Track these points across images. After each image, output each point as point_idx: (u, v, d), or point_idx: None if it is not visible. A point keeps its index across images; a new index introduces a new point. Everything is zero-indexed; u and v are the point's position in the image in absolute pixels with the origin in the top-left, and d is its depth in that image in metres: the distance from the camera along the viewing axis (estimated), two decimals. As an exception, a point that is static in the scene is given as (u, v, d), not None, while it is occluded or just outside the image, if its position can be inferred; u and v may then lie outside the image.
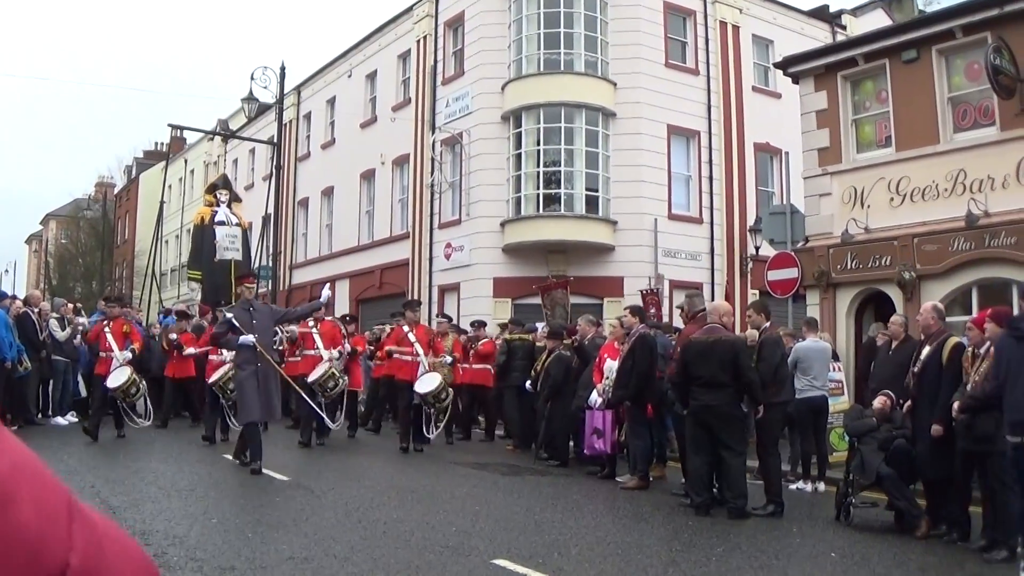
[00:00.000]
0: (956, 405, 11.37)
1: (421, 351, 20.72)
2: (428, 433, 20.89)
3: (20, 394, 21.97)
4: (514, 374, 21.99)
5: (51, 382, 23.73)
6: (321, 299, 19.31)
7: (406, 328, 21.28)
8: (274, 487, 14.96)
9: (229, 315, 16.60)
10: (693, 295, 17.24)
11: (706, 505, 13.55)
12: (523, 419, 21.75)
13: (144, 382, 21.63)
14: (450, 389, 21.06)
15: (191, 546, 10.13)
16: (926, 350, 12.62)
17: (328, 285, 20.18)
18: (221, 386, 20.70)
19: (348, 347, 22.65)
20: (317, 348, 21.82)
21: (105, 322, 21.47)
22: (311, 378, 20.73)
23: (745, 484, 13.80)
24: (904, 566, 10.57)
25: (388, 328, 25.53)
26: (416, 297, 34.76)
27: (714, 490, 14.21)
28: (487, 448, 22.35)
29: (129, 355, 20.80)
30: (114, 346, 20.69)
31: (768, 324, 15.35)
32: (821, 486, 16.37)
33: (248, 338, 16.06)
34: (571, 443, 19.35)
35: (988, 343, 11.53)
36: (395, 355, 21.46)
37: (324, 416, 20.48)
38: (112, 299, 23.24)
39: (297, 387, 19.71)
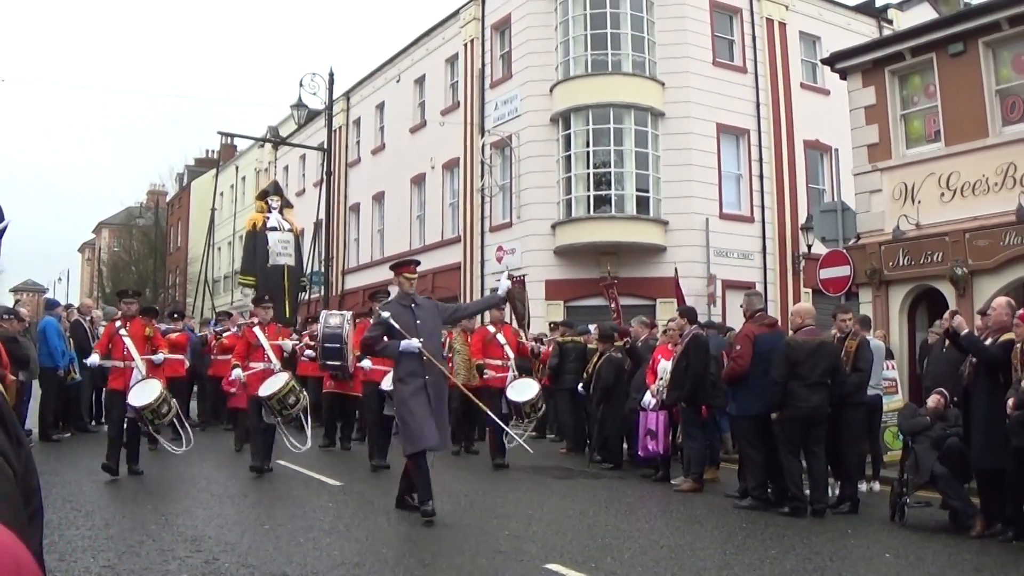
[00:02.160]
0: (1011, 402, 11.28)
1: (512, 355, 19.69)
2: (507, 442, 18.48)
3: (73, 402, 22.13)
4: (567, 376, 21.91)
5: (103, 390, 23.69)
6: (500, 291, 15.68)
7: (492, 328, 19.98)
8: (326, 492, 15.00)
9: (386, 314, 12.94)
10: (752, 294, 17.17)
11: (805, 505, 13.71)
12: (576, 422, 21.72)
13: (175, 399, 17.18)
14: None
15: (243, 552, 10.19)
16: (988, 342, 12.52)
17: (506, 273, 16.71)
18: (280, 399, 17.05)
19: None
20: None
21: (120, 323, 17.28)
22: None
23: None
24: (959, 566, 10.49)
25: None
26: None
27: (768, 491, 14.21)
28: (540, 451, 22.34)
29: (159, 358, 17.18)
30: (134, 353, 16.77)
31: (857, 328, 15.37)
32: (876, 486, 16.25)
33: (412, 343, 12.68)
34: (624, 445, 19.28)
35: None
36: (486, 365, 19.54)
37: (507, 428, 17.23)
38: (130, 294, 18.63)
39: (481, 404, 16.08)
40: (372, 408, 18.85)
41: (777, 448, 14.05)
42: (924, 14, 38.49)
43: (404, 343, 12.67)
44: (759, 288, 34.39)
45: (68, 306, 26.02)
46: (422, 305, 13.51)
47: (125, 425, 16.56)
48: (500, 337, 19.67)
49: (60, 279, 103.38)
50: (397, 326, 12.74)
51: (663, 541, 11.24)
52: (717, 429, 17.87)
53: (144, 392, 16.29)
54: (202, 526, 11.61)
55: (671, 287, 33.84)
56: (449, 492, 14.99)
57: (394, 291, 15.41)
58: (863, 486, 16.24)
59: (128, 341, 16.96)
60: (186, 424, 18.48)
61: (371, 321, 17.84)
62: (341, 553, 10.38)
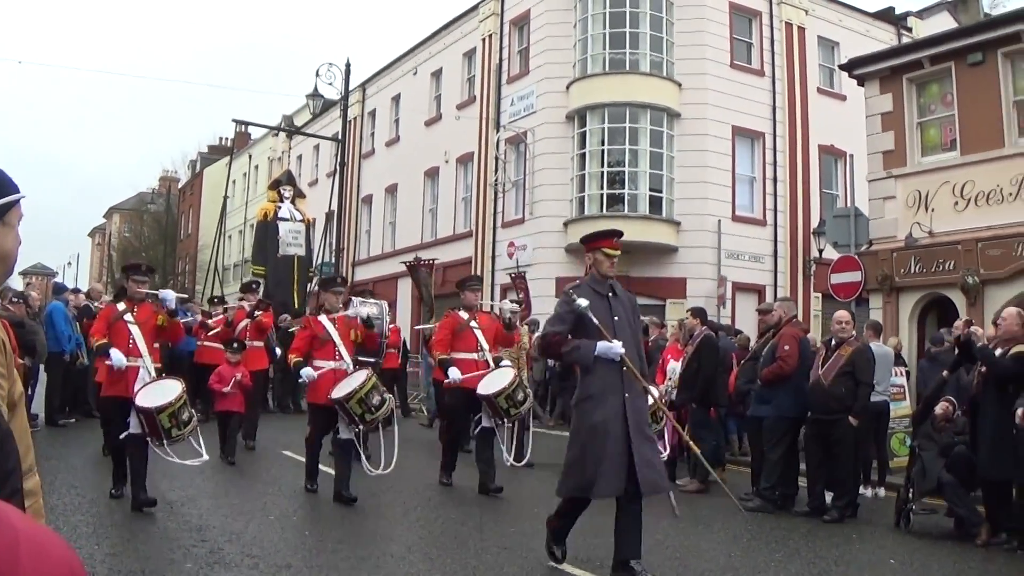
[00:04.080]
0: (1020, 412, 11.28)
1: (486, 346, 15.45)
2: (509, 455, 15.94)
3: (80, 387, 22.05)
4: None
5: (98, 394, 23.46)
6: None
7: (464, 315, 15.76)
8: (332, 484, 15.01)
9: (584, 302, 9.29)
10: (787, 300, 17.35)
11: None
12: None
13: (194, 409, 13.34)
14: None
15: (247, 542, 10.19)
16: (997, 352, 12.51)
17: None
18: (362, 399, 13.38)
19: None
20: (481, 348, 15.36)
21: (125, 306, 13.20)
22: (489, 390, 14.56)
23: None
24: (964, 574, 10.50)
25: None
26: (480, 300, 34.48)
27: (775, 493, 14.23)
28: (552, 447, 22.27)
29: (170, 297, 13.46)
30: (142, 347, 12.76)
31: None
32: (881, 491, 16.29)
33: (614, 347, 9.22)
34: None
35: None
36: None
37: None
38: (142, 270, 13.92)
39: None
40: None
41: (790, 451, 14.22)
42: (944, 23, 38.49)
43: (602, 346, 9.23)
44: (769, 292, 34.49)
45: (76, 290, 26.02)
46: (620, 297, 9.87)
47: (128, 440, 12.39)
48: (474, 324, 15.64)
49: (70, 263, 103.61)
50: (596, 320, 9.31)
51: (668, 542, 11.22)
52: (724, 430, 17.87)
53: (158, 392, 12.24)
54: (207, 515, 11.65)
55: (682, 288, 33.88)
56: (454, 487, 15.01)
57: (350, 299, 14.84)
58: (868, 491, 16.27)
59: (136, 331, 12.86)
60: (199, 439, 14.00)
61: (494, 310, 17.31)
62: (346, 546, 10.41)
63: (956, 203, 22.19)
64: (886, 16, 43.03)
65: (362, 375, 13.73)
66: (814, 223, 35.77)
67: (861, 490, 15.86)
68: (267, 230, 31.80)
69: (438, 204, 45.60)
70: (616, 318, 9.52)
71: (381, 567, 9.52)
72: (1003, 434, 11.74)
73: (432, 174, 46.05)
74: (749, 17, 38.33)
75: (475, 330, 15.54)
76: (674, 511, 9.98)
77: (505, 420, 14.87)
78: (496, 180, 39.29)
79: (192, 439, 12.53)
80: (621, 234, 10.27)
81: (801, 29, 39.06)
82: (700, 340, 16.32)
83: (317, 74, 37.92)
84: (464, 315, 15.71)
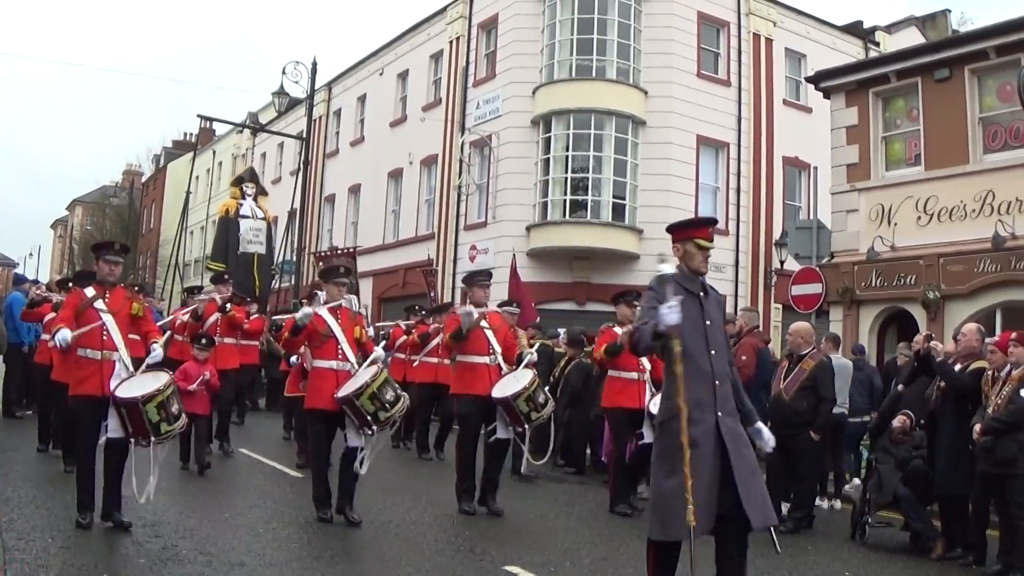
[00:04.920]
0: (978, 428, 11.31)
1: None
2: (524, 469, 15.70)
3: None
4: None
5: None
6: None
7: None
8: (288, 482, 14.93)
9: (675, 299, 7.31)
10: (750, 311, 17.38)
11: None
12: (541, 427, 21.64)
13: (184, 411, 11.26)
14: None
15: (201, 540, 10.12)
16: (956, 368, 12.54)
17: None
18: (374, 395, 11.79)
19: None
20: (493, 351, 13.75)
21: (95, 291, 11.14)
22: (506, 392, 13.25)
23: None
24: (919, 588, 10.52)
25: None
26: (440, 300, 34.39)
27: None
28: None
29: (159, 354, 11.04)
30: (116, 338, 10.89)
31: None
32: (837, 503, 16.30)
33: (669, 311, 7.20)
34: (588, 451, 19.25)
35: (1009, 366, 11.49)
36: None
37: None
38: (116, 248, 11.68)
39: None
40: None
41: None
42: (912, 38, 38.83)
43: (662, 309, 7.25)
44: (730, 302, 34.51)
45: (35, 282, 25.85)
46: (712, 297, 8.16)
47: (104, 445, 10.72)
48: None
49: (31, 254, 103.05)
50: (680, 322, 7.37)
51: (624, 548, 11.17)
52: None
53: (141, 384, 10.66)
54: (162, 511, 11.47)
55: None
56: (410, 489, 14.97)
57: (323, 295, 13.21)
58: (824, 503, 16.28)
59: (109, 320, 10.97)
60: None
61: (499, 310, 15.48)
62: (300, 545, 10.36)
63: (919, 218, 22.28)
64: (854, 30, 43.17)
65: (373, 369, 12.06)
66: (776, 234, 35.87)
67: (817, 502, 15.89)
68: (228, 226, 31.67)
69: (401, 205, 45.43)
70: (708, 322, 7.86)
71: (334, 567, 9.48)
72: (960, 449, 11.81)
73: (396, 175, 45.89)
74: (717, 27, 38.36)
75: (486, 331, 13.76)
76: (775, 547, 8.08)
77: (526, 426, 13.40)
78: (460, 183, 39.21)
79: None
80: (716, 222, 9.21)
81: (769, 40, 39.13)
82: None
83: (284, 72, 37.95)
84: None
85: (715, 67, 38.15)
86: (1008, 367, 11.50)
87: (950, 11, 47.04)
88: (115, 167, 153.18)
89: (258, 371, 24.35)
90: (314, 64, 38.20)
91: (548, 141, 35.83)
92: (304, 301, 16.54)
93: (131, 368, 10.85)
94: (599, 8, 35.65)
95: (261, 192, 33.31)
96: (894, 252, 22.56)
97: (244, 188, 32.42)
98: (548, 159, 35.73)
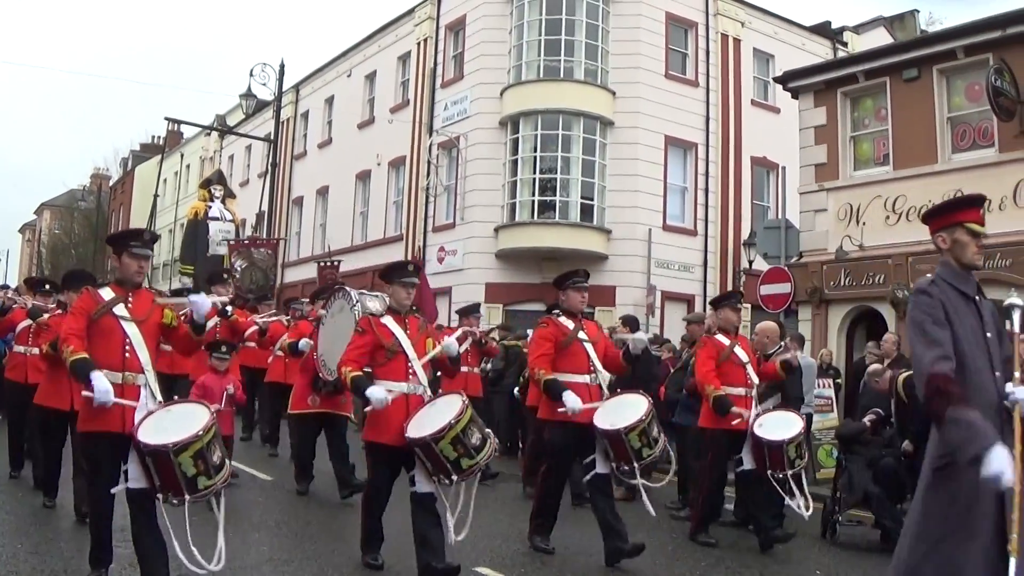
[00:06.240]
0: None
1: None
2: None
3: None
4: (505, 381, 21.76)
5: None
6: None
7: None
8: (257, 486, 14.86)
9: (1002, 449, 5.28)
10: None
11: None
12: (510, 426, 21.59)
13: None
14: None
15: (170, 544, 10.04)
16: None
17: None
18: (458, 438, 9.10)
19: None
20: (594, 368, 11.30)
21: (113, 293, 8.42)
22: (617, 424, 10.73)
23: None
24: (889, 586, 10.50)
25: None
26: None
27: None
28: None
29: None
30: (143, 356, 8.24)
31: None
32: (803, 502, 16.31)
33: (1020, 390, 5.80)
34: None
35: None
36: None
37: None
38: (146, 238, 8.70)
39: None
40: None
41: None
42: (880, 38, 38.88)
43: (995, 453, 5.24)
44: (699, 302, 34.57)
45: (4, 287, 25.68)
46: (986, 304, 6.32)
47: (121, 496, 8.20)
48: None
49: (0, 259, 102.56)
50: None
51: (593, 549, 11.09)
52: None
53: (172, 422, 7.89)
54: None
55: (611, 296, 33.83)
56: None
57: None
58: (792, 503, 16.27)
59: (133, 331, 8.28)
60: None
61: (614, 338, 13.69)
62: (270, 548, 10.32)
63: (887, 217, 22.33)
64: (822, 30, 43.27)
65: (456, 402, 9.35)
66: (745, 234, 36.03)
67: (787, 501, 15.89)
68: (197, 229, 31.58)
69: (369, 207, 45.37)
70: (989, 335, 6.11)
71: (304, 569, 9.48)
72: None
73: (364, 177, 45.84)
74: (685, 28, 38.41)
75: (584, 343, 11.26)
76: None
77: (636, 465, 10.71)
78: (428, 184, 39.19)
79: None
80: (985, 200, 6.86)
81: (737, 41, 39.22)
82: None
83: (251, 74, 37.81)
84: (569, 323, 11.33)
85: (683, 68, 38.19)
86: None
87: (918, 11, 47.17)
88: (83, 170, 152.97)
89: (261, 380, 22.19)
90: (282, 66, 38.11)
91: (516, 142, 35.84)
92: (307, 303, 15.75)
93: (159, 396, 8.26)
94: (567, 9, 35.67)
95: (229, 195, 33.18)
96: (863, 251, 22.59)
97: (212, 190, 32.29)
98: (516, 160, 35.72)
